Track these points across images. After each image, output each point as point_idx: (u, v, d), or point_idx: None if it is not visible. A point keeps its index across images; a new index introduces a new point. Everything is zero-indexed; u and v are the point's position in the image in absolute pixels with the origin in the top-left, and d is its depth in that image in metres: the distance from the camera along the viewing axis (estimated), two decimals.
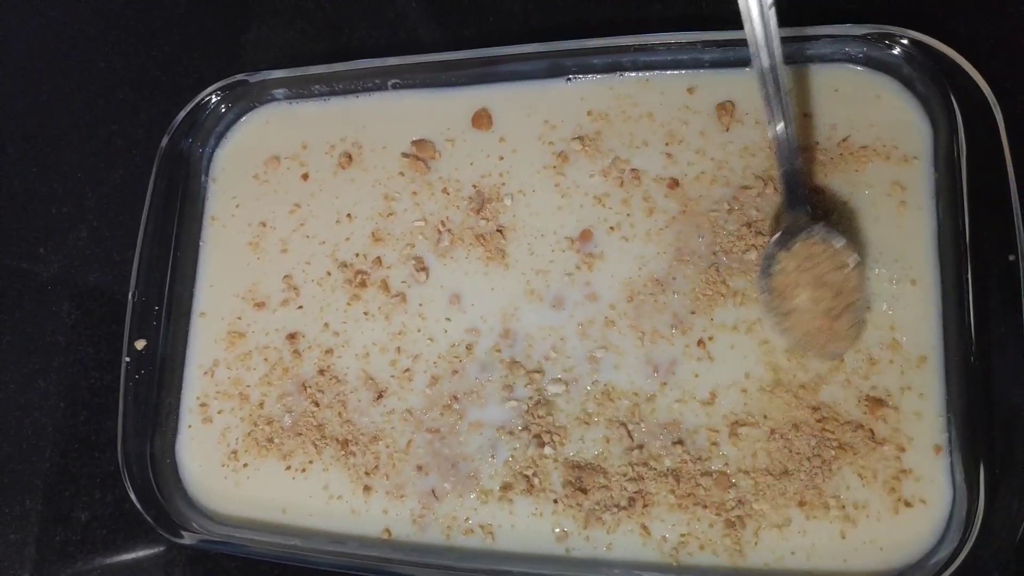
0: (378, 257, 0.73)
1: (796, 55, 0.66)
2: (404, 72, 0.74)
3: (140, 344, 0.73)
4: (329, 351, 0.72)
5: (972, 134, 0.61)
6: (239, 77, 0.76)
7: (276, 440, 0.72)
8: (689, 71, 0.69)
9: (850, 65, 0.66)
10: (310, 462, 0.71)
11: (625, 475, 0.63)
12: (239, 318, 0.75)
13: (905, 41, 0.63)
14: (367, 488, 0.68)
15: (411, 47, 0.81)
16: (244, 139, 0.79)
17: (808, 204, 0.62)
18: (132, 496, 0.70)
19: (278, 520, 0.70)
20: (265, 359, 0.74)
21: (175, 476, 0.74)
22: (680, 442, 0.63)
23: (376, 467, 0.69)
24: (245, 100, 0.79)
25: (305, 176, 0.77)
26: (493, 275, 0.70)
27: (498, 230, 0.70)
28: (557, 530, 0.64)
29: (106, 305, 0.86)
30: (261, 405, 0.73)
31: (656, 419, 0.64)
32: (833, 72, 0.66)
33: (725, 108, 0.68)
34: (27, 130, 0.94)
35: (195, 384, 0.75)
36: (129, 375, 0.73)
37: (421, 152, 0.74)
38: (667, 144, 0.69)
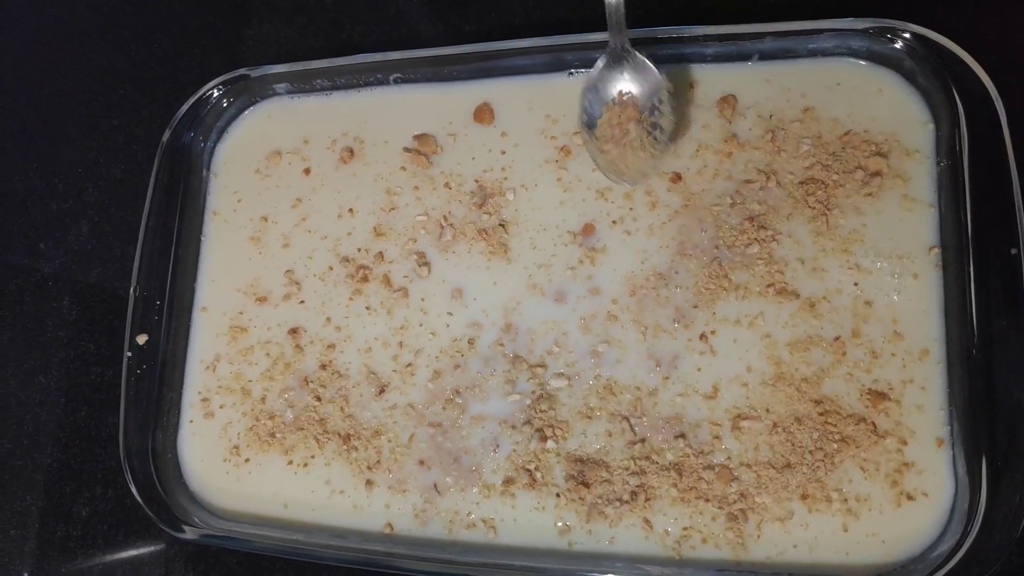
0: (380, 252, 0.73)
1: (798, 49, 0.67)
2: (406, 66, 0.74)
3: (142, 339, 0.73)
4: (331, 346, 0.72)
5: (974, 128, 0.61)
6: (241, 72, 0.76)
7: (278, 435, 0.72)
8: (691, 65, 0.69)
9: (852, 59, 0.66)
10: (312, 457, 0.70)
11: (627, 469, 0.63)
12: (241, 313, 0.75)
13: (907, 35, 0.63)
14: (369, 483, 0.68)
15: (412, 43, 0.81)
16: (246, 134, 0.79)
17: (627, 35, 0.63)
18: (133, 491, 0.70)
19: (280, 515, 0.70)
20: (267, 354, 0.74)
21: (176, 471, 0.74)
22: (682, 436, 0.63)
23: (378, 461, 0.69)
24: (247, 95, 0.79)
25: (307, 171, 0.77)
26: (495, 269, 0.70)
27: (500, 224, 0.70)
28: (559, 524, 0.64)
29: (107, 301, 0.86)
30: (263, 400, 0.73)
31: (658, 413, 0.64)
32: (835, 66, 0.67)
33: (727, 102, 0.68)
34: (27, 126, 0.94)
35: (197, 379, 0.75)
36: (131, 370, 0.73)
37: (423, 147, 0.74)
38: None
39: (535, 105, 0.72)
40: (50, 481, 0.82)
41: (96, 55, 0.94)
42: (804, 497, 0.60)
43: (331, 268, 0.74)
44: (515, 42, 0.70)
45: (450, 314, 0.70)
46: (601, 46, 0.68)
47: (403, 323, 0.71)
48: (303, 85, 0.78)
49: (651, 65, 0.63)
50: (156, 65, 0.91)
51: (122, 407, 0.72)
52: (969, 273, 0.59)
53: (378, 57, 0.74)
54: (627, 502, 0.63)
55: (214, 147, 0.80)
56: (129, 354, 0.73)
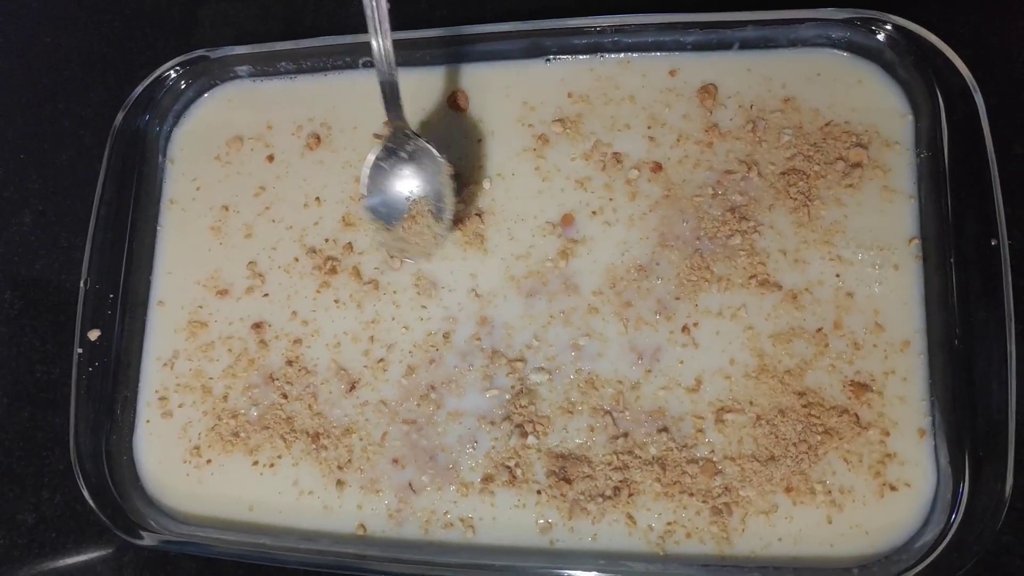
0: (349, 243, 0.70)
1: (779, 39, 0.66)
2: None
3: (94, 335, 0.69)
4: (298, 341, 0.69)
5: (953, 120, 0.61)
6: (200, 52, 0.73)
7: (242, 434, 0.68)
8: (671, 53, 0.68)
9: (833, 50, 0.66)
10: (279, 457, 0.67)
11: (610, 464, 0.62)
12: (200, 307, 0.72)
13: (888, 27, 0.63)
14: (340, 483, 0.66)
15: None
16: (205, 118, 0.76)
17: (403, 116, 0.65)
18: (86, 495, 0.66)
19: (245, 518, 0.67)
20: (229, 350, 0.70)
21: (133, 474, 0.70)
22: (665, 430, 0.62)
23: (349, 461, 0.66)
24: (206, 77, 0.75)
25: (270, 158, 0.73)
26: (471, 261, 0.68)
27: (476, 214, 0.68)
28: (541, 521, 0.62)
29: (52, 294, 0.81)
30: (225, 398, 0.69)
31: (641, 407, 0.63)
32: (816, 56, 0.66)
33: (708, 91, 0.67)
34: None
35: (153, 377, 0.71)
36: (81, 367, 0.69)
37: None
38: (649, 127, 0.67)
39: (512, 92, 0.70)
40: None
41: (40, 33, 0.88)
42: (788, 490, 0.60)
43: (297, 259, 0.71)
44: (491, 26, 0.68)
45: (424, 307, 0.68)
46: (582, 32, 0.68)
47: (374, 317, 0.69)
48: (266, 68, 0.74)
49: (433, 151, 0.64)
50: (105, 45, 0.87)
51: (72, 406, 0.68)
52: (950, 264, 0.59)
53: (347, 39, 0.71)
54: (610, 498, 0.61)
55: (171, 132, 0.76)
56: (80, 350, 0.69)
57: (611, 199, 0.67)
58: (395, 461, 0.65)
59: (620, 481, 0.62)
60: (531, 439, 0.63)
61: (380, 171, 0.65)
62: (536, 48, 0.70)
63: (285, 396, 0.68)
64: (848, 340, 0.61)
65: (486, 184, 0.69)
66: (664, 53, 0.68)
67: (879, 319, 0.61)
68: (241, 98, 0.75)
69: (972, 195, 0.59)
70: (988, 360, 0.57)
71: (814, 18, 0.64)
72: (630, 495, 0.61)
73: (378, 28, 0.59)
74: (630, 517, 0.61)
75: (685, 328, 0.64)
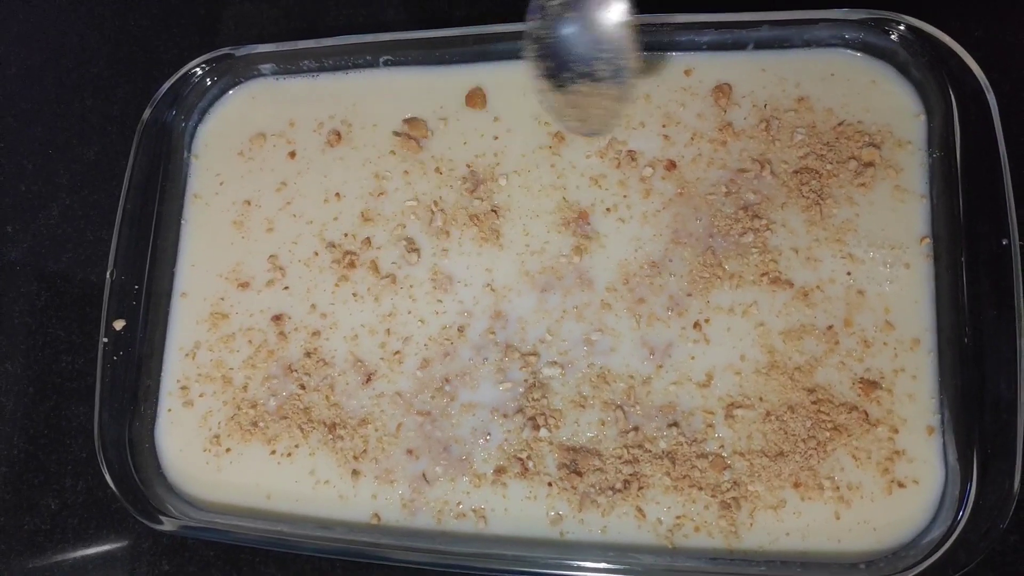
0: (367, 237, 0.72)
1: (793, 39, 0.67)
2: (396, 49, 0.73)
3: (119, 324, 0.71)
4: (316, 333, 0.71)
5: (965, 120, 0.61)
6: (225, 50, 0.74)
7: (260, 424, 0.70)
8: (686, 53, 0.69)
9: (846, 50, 0.67)
10: (296, 446, 0.69)
11: (620, 457, 0.63)
12: (222, 299, 0.73)
13: (902, 27, 0.63)
14: (355, 472, 0.67)
15: (400, 26, 0.80)
16: (229, 115, 0.77)
17: None
18: (109, 481, 0.67)
19: (262, 506, 0.68)
20: (249, 341, 0.72)
21: (154, 462, 0.71)
22: (675, 424, 0.63)
23: (365, 451, 0.67)
24: (231, 75, 0.76)
25: (292, 154, 0.75)
26: (487, 256, 0.69)
27: (492, 210, 0.69)
28: (551, 513, 0.63)
29: (78, 287, 0.83)
30: (245, 388, 0.71)
31: (652, 402, 0.64)
32: (830, 56, 0.67)
33: (722, 90, 0.68)
34: None
35: (175, 367, 0.73)
36: (106, 357, 0.70)
37: (413, 131, 0.72)
38: (664, 126, 0.68)
39: (529, 90, 0.70)
40: (17, 473, 0.79)
41: (69, 31, 0.91)
42: (796, 485, 0.60)
43: (316, 254, 0.72)
44: (509, 25, 0.69)
45: (439, 301, 0.69)
46: None
47: (391, 310, 0.70)
48: (289, 66, 0.76)
49: None
50: (132, 43, 0.89)
51: (97, 395, 0.69)
52: (961, 263, 0.60)
53: (368, 38, 0.72)
54: (620, 491, 0.62)
55: (195, 128, 0.77)
56: (105, 340, 0.70)
57: (625, 196, 0.68)
58: (409, 452, 0.67)
59: (630, 474, 0.62)
60: (543, 432, 0.64)
61: (547, 20, 0.56)
62: None
63: (303, 387, 0.70)
64: (858, 337, 0.62)
65: (502, 181, 0.70)
66: (679, 53, 0.69)
67: (889, 317, 0.62)
68: (264, 96, 0.77)
69: (984, 195, 0.60)
70: (997, 358, 0.57)
71: (828, 18, 0.65)
72: (640, 488, 0.62)
73: None
74: (639, 510, 0.62)
75: (697, 324, 0.64)
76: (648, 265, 0.66)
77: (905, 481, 0.59)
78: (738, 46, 0.68)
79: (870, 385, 0.61)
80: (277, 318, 0.72)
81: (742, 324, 0.64)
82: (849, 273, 0.63)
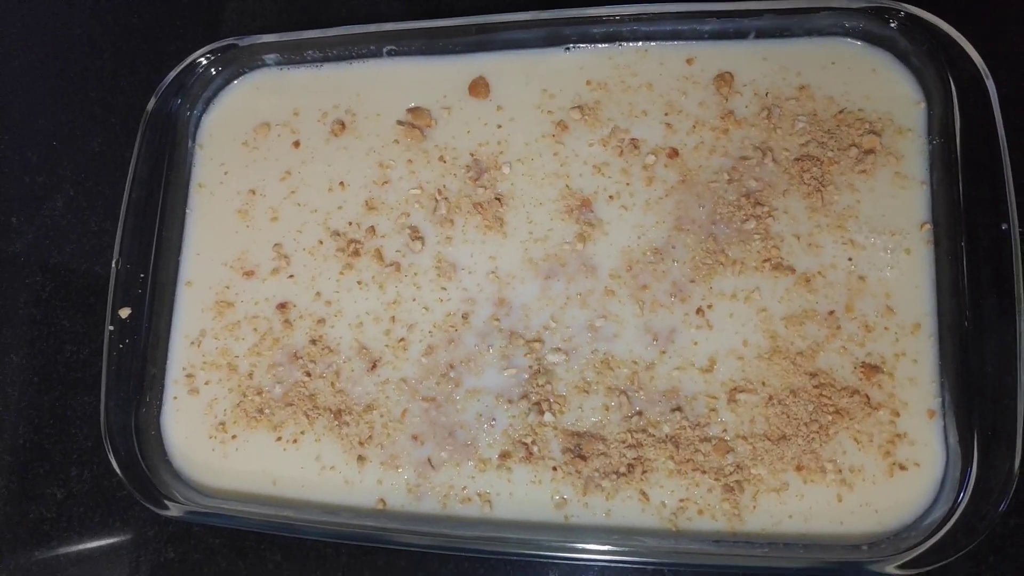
0: (372, 226, 0.72)
1: (795, 28, 0.67)
2: (400, 39, 0.73)
3: (125, 312, 0.71)
4: (321, 320, 0.71)
5: (965, 107, 0.62)
6: (230, 40, 0.75)
7: (266, 411, 0.70)
8: (688, 42, 0.70)
9: (847, 39, 0.67)
10: (302, 433, 0.69)
11: (624, 442, 0.63)
12: (227, 287, 0.74)
13: (902, 15, 0.64)
14: (361, 458, 0.67)
15: (402, 17, 0.80)
16: (233, 105, 0.78)
17: None
18: (115, 468, 0.68)
19: (268, 492, 0.69)
20: (254, 329, 0.72)
21: (160, 449, 0.72)
22: (679, 409, 0.63)
23: (370, 437, 0.68)
24: (235, 65, 0.77)
25: (296, 143, 0.75)
26: (491, 244, 0.69)
27: (496, 198, 0.70)
28: (556, 497, 0.64)
29: (83, 277, 0.84)
30: (250, 375, 0.71)
31: (655, 387, 0.64)
32: (831, 45, 0.67)
33: (724, 79, 0.68)
34: None
35: (181, 354, 0.73)
36: (112, 345, 0.71)
37: (417, 120, 0.73)
38: (666, 114, 0.69)
39: (532, 79, 0.72)
40: (22, 462, 0.80)
41: (72, 24, 0.91)
42: (799, 468, 0.61)
43: (321, 242, 0.73)
44: (512, 15, 0.70)
45: (443, 289, 0.70)
46: (601, 21, 0.69)
47: (395, 298, 0.70)
48: (293, 56, 0.76)
49: None
50: (135, 35, 0.89)
51: (103, 383, 0.70)
52: (961, 248, 0.60)
53: (372, 28, 0.73)
54: (624, 475, 0.63)
55: (200, 118, 0.78)
56: (111, 328, 0.71)
57: (628, 184, 0.68)
58: (414, 437, 0.67)
59: (634, 459, 0.63)
60: (548, 417, 0.65)
61: None
62: (556, 37, 0.71)
63: (308, 374, 0.70)
64: (859, 323, 0.63)
65: (506, 169, 0.70)
66: (681, 42, 0.70)
67: (890, 302, 0.63)
68: (269, 85, 0.77)
69: (983, 181, 0.60)
70: (998, 342, 0.58)
71: (829, 7, 0.65)
72: (644, 472, 0.63)
73: None
74: (643, 494, 0.62)
75: (700, 310, 0.65)
76: (651, 252, 0.67)
77: (906, 464, 0.60)
78: (740, 35, 0.69)
79: (871, 369, 0.62)
80: (282, 306, 0.72)
81: (744, 310, 0.64)
82: (850, 259, 0.64)
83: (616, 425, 0.64)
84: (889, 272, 0.63)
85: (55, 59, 0.90)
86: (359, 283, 0.71)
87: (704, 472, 0.62)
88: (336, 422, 0.68)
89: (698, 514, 0.62)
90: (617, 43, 0.71)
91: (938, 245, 0.63)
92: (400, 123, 0.73)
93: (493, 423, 0.66)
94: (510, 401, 0.66)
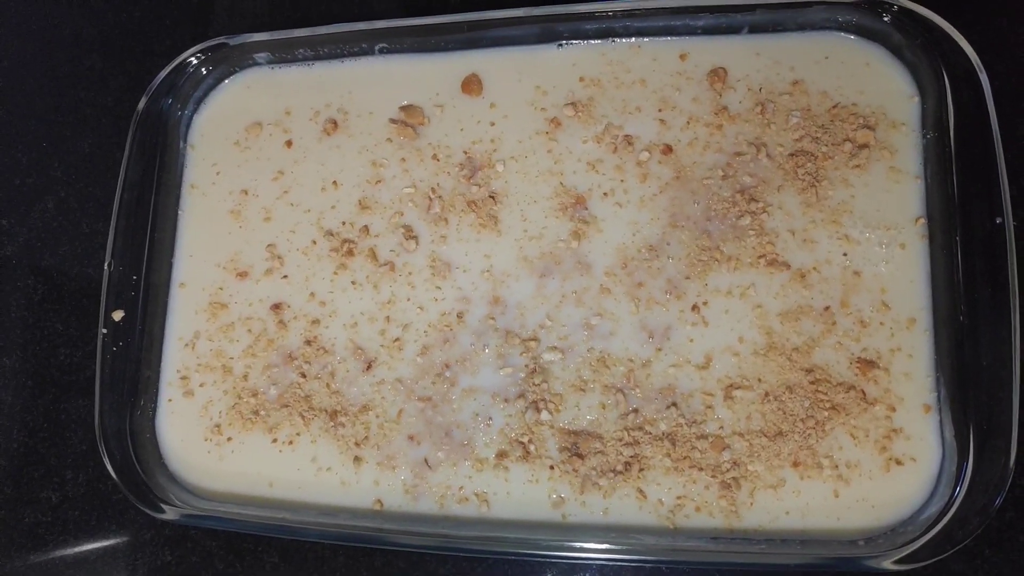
0: (365, 225, 0.72)
1: (788, 22, 0.67)
2: (392, 36, 0.73)
3: (118, 315, 0.71)
4: (316, 321, 0.71)
5: (959, 101, 0.62)
6: (220, 40, 0.74)
7: (261, 413, 0.70)
8: (681, 37, 0.69)
9: (840, 33, 0.67)
10: (297, 434, 0.69)
11: (621, 440, 0.63)
12: (221, 288, 0.73)
13: (895, 9, 0.64)
14: (357, 459, 0.67)
15: (392, 15, 0.80)
16: (224, 104, 0.77)
17: None
18: (111, 471, 0.68)
19: (265, 494, 0.69)
20: (249, 330, 0.72)
21: (155, 452, 0.72)
22: (675, 406, 0.63)
23: (366, 438, 0.68)
24: (226, 64, 0.76)
25: (289, 143, 0.75)
26: (486, 242, 0.69)
27: (490, 196, 0.70)
28: (553, 496, 0.64)
29: (75, 279, 0.83)
30: (245, 377, 0.71)
31: (651, 384, 0.64)
32: (824, 40, 0.67)
33: (717, 75, 0.68)
34: None
35: (175, 357, 0.73)
36: (106, 348, 0.70)
37: (410, 118, 0.72)
38: (660, 110, 0.69)
39: (524, 76, 0.71)
40: (16, 466, 0.79)
41: (62, 23, 0.90)
42: (796, 464, 0.61)
43: (315, 242, 0.73)
44: (504, 12, 0.70)
45: (438, 288, 0.69)
46: (593, 17, 0.69)
47: (390, 297, 0.70)
48: (284, 55, 0.76)
49: None
50: (125, 35, 0.88)
51: (97, 386, 0.69)
52: (956, 243, 0.60)
53: (362, 26, 0.72)
54: (621, 473, 0.63)
55: (191, 118, 0.77)
56: (104, 331, 0.70)
57: (622, 181, 0.68)
58: (411, 438, 0.67)
59: (631, 456, 0.63)
60: (544, 416, 0.64)
61: None
62: (548, 33, 0.71)
63: (303, 375, 0.70)
64: (855, 318, 0.63)
65: (500, 167, 0.70)
66: (674, 37, 0.70)
67: (885, 297, 0.63)
68: (260, 85, 0.77)
69: (978, 175, 0.60)
70: (993, 337, 0.58)
71: (822, 1, 0.65)
72: (641, 470, 0.63)
73: None
74: (641, 491, 0.62)
75: (695, 307, 0.65)
76: (646, 249, 0.66)
77: (903, 459, 0.60)
78: (733, 30, 0.68)
79: (867, 364, 0.62)
80: (276, 307, 0.72)
81: (740, 306, 0.64)
82: (845, 254, 0.64)
83: (613, 423, 0.64)
84: (884, 267, 0.63)
85: (44, 59, 0.89)
86: (353, 283, 0.71)
87: (701, 469, 0.62)
88: (332, 423, 0.68)
89: (695, 511, 0.62)
90: (610, 39, 0.70)
91: (933, 240, 0.62)
92: (393, 121, 0.73)
93: (490, 422, 0.66)
94: (506, 400, 0.66)
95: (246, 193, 0.75)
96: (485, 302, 0.68)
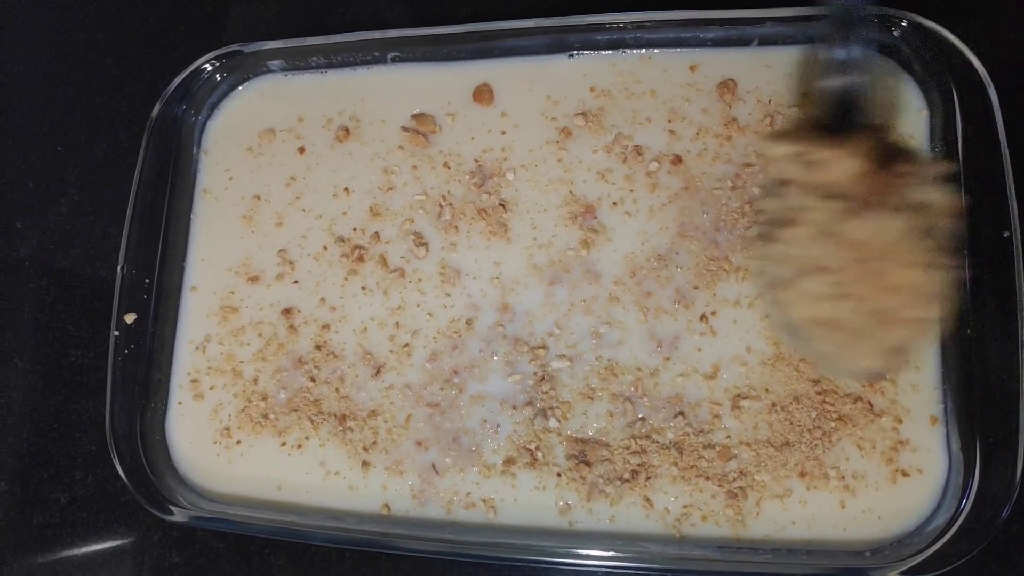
0: (376, 232, 0.72)
1: (797, 35, 0.68)
2: (404, 45, 0.74)
3: (130, 318, 0.71)
4: (326, 326, 0.71)
5: (968, 115, 0.62)
6: (235, 47, 0.75)
7: (271, 416, 0.70)
8: (691, 49, 0.70)
9: None
10: (306, 438, 0.69)
11: (628, 448, 0.64)
12: (232, 293, 0.74)
13: (904, 23, 0.64)
14: (365, 464, 0.68)
15: (406, 24, 0.80)
16: (238, 111, 0.78)
17: None
18: (120, 473, 0.68)
19: (273, 497, 0.69)
20: (259, 334, 0.73)
21: (165, 454, 0.72)
22: (682, 415, 0.64)
23: (374, 442, 0.68)
24: (240, 71, 0.77)
25: (301, 149, 0.76)
26: (495, 250, 0.70)
27: (500, 204, 0.70)
28: (560, 503, 0.64)
29: (88, 282, 0.84)
30: (255, 381, 0.72)
31: (659, 393, 0.64)
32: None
33: (727, 86, 0.68)
34: (1, 103, 0.91)
35: (186, 360, 0.74)
36: (117, 350, 0.71)
37: (421, 126, 0.73)
38: (670, 121, 0.69)
39: (536, 86, 0.72)
40: (26, 467, 0.80)
41: (76, 29, 0.91)
42: (802, 475, 0.61)
43: (326, 248, 0.73)
44: (516, 22, 0.70)
45: (447, 295, 0.70)
46: (604, 28, 0.69)
47: (399, 304, 0.71)
48: (298, 62, 0.76)
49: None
50: (139, 41, 0.89)
51: (108, 388, 0.70)
52: (964, 255, 0.60)
53: (376, 35, 0.73)
54: (628, 481, 0.63)
55: (205, 123, 0.78)
56: (116, 333, 0.71)
57: (632, 190, 0.69)
58: (419, 443, 0.67)
59: (638, 465, 0.63)
60: (552, 423, 0.65)
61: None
62: (559, 44, 0.71)
63: (313, 380, 0.70)
64: None
65: (510, 175, 0.71)
66: (685, 49, 0.70)
67: None
68: (273, 92, 0.78)
69: (985, 189, 0.61)
70: (1000, 349, 0.58)
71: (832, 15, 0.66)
72: (647, 478, 0.63)
73: None
74: (647, 500, 0.63)
75: (703, 317, 0.65)
76: (655, 258, 0.67)
77: (909, 470, 0.60)
78: (743, 42, 0.69)
79: (874, 376, 0.62)
80: (287, 311, 0.72)
81: (748, 316, 0.65)
82: None
83: (620, 431, 0.64)
84: None
85: (59, 65, 0.90)
86: (363, 289, 0.72)
87: (708, 478, 0.62)
88: (340, 427, 0.69)
89: (702, 520, 0.62)
90: (621, 50, 0.71)
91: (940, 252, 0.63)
92: (405, 129, 0.74)
93: (498, 429, 0.66)
94: (514, 407, 0.66)
95: (258, 198, 0.75)
96: (494, 309, 0.69)
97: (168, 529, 0.76)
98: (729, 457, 0.62)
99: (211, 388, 0.72)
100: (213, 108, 0.78)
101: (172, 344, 0.74)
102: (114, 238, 0.83)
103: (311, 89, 0.77)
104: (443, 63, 0.74)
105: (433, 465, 0.67)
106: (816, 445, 0.61)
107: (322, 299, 0.72)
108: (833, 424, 0.61)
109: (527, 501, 0.64)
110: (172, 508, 0.67)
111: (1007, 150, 0.60)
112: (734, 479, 0.62)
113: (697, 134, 0.69)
